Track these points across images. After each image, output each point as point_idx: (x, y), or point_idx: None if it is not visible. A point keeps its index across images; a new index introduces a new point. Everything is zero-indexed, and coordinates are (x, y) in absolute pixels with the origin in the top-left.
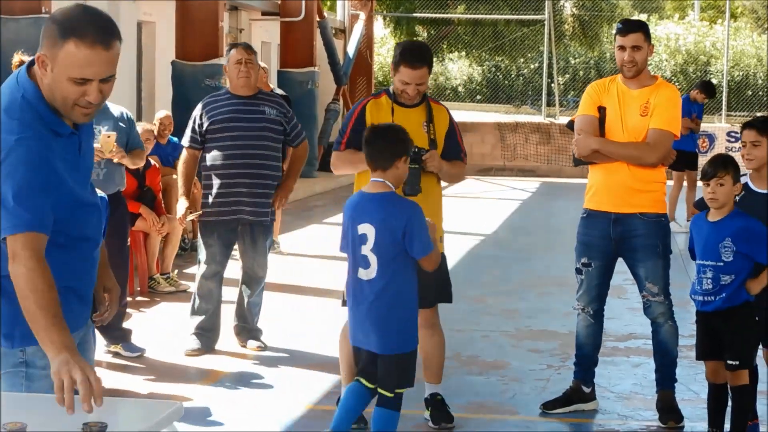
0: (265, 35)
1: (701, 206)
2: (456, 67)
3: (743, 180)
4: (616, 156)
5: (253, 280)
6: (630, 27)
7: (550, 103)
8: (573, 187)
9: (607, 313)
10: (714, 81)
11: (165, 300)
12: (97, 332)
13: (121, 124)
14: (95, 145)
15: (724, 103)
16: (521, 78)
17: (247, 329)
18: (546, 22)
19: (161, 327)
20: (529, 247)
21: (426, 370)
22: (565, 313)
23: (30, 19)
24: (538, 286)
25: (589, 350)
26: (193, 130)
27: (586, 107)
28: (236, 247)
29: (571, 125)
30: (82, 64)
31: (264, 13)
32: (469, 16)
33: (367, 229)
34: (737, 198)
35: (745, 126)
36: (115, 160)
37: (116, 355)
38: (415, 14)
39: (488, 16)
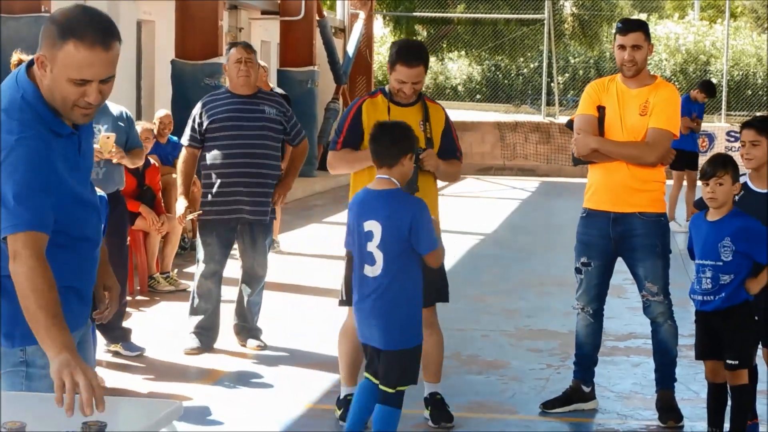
0: (264, 34)
1: (701, 206)
2: (456, 67)
3: (742, 179)
4: (616, 155)
5: (253, 279)
6: (630, 26)
7: (549, 103)
8: (573, 186)
9: (606, 313)
10: (714, 80)
11: (165, 299)
12: (97, 332)
13: (120, 123)
14: (94, 146)
15: (723, 102)
16: (521, 77)
17: (247, 328)
18: (546, 22)
19: (161, 326)
20: (529, 246)
21: (425, 370)
22: (564, 312)
23: (30, 18)
24: (538, 285)
25: (589, 350)
26: (193, 129)
27: (585, 106)
28: (236, 246)
29: (570, 124)
30: (81, 65)
31: (264, 12)
32: (468, 15)
33: (373, 226)
34: (736, 198)
35: (744, 125)
36: (115, 161)
37: (116, 354)
38: (414, 13)
39: (488, 16)
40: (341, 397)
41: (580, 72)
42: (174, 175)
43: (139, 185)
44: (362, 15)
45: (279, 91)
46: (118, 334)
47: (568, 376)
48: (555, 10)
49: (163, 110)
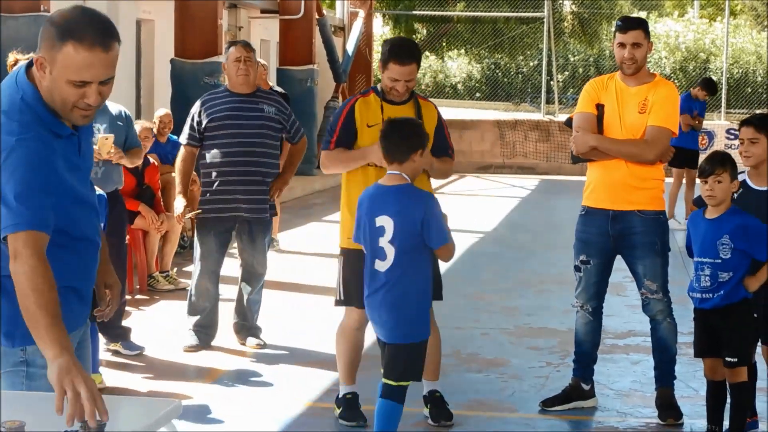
0: (264, 33)
1: (700, 203)
2: (455, 65)
3: (741, 177)
4: (614, 153)
5: (252, 277)
6: (630, 24)
7: (549, 101)
8: (572, 184)
9: (606, 311)
10: (713, 78)
11: (164, 298)
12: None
13: (118, 122)
14: (93, 147)
15: (723, 100)
16: (520, 75)
17: (247, 327)
18: (545, 20)
19: (160, 325)
20: (529, 244)
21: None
22: (564, 310)
23: (29, 17)
24: (538, 283)
25: (588, 347)
26: (192, 127)
27: (584, 104)
28: (235, 244)
29: (569, 122)
30: (80, 67)
31: (263, 11)
32: (468, 13)
33: (384, 221)
34: (735, 195)
35: (743, 123)
36: (114, 161)
37: (115, 353)
38: (414, 12)
39: (487, 14)
40: (340, 396)
41: (580, 70)
42: (173, 174)
43: (139, 184)
44: (362, 13)
45: (278, 89)
46: (117, 333)
47: (567, 374)
48: (555, 8)
49: (162, 109)
